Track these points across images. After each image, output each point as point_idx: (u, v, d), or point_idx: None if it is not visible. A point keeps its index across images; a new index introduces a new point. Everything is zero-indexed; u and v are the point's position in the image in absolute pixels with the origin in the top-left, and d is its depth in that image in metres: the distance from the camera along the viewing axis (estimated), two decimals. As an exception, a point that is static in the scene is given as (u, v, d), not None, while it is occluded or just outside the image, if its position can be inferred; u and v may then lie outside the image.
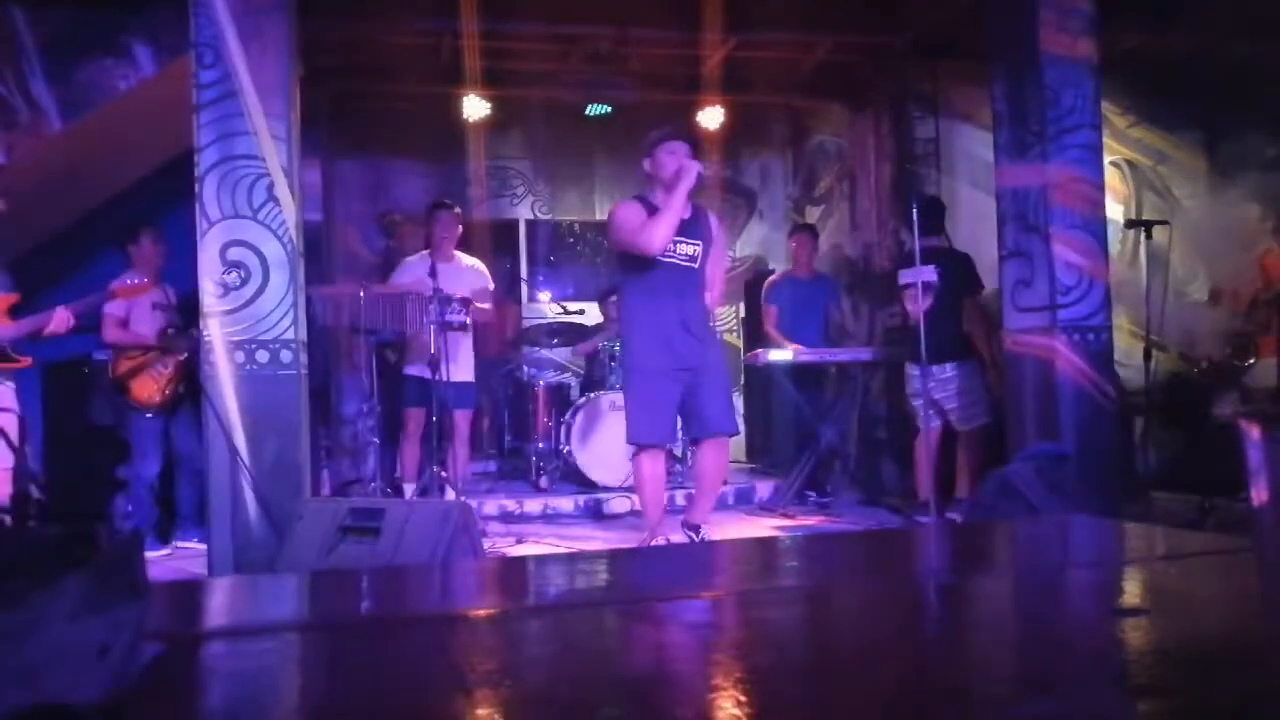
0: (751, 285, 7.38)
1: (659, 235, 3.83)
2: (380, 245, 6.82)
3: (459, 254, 5.18)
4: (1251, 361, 4.71)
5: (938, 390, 4.81)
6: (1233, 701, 0.79)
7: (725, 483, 5.99)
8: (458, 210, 5.22)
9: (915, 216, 4.44)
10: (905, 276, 4.75)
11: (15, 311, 3.93)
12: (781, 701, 0.83)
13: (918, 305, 4.68)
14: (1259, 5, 4.96)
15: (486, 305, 5.14)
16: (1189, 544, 1.65)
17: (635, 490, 4.50)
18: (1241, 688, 0.82)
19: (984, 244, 5.04)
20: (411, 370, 5.07)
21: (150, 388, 4.58)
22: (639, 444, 4.02)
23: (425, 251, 5.14)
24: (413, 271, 5.01)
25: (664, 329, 3.92)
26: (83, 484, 4.80)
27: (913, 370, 4.83)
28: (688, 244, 3.98)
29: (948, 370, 4.83)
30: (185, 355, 4.57)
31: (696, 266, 4.01)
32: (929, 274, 4.79)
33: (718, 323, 4.54)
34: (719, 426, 4.06)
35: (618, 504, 5.58)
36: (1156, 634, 1.04)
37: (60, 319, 3.88)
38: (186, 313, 4.55)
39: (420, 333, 4.86)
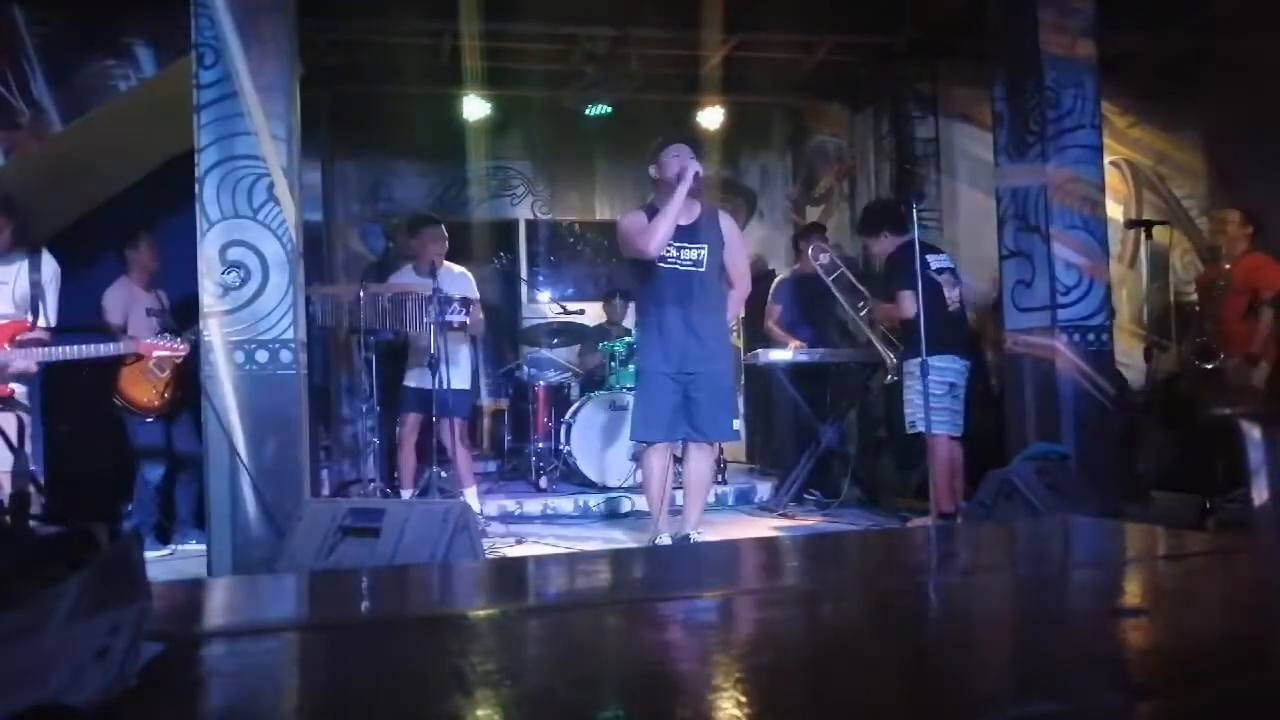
0: (752, 285, 7.37)
1: (655, 238, 3.90)
2: (380, 245, 6.83)
3: (447, 263, 5.18)
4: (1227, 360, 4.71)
5: (962, 387, 4.77)
6: (1232, 701, 0.79)
7: (724, 482, 6.03)
8: (443, 226, 5.20)
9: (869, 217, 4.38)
10: (935, 262, 4.72)
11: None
12: (781, 702, 0.83)
13: (952, 293, 4.66)
14: (1259, 5, 4.97)
15: (479, 317, 5.10)
16: (1189, 544, 1.66)
17: (640, 489, 4.52)
18: (1241, 688, 0.82)
19: (984, 244, 5.04)
20: (411, 382, 5.05)
21: (149, 393, 4.57)
22: (638, 441, 4.13)
23: (410, 266, 5.14)
24: (405, 278, 5.02)
25: (668, 333, 3.99)
26: (83, 485, 4.79)
27: (954, 364, 4.64)
28: (691, 249, 4.01)
29: (966, 366, 4.79)
30: (181, 360, 4.56)
31: (703, 270, 4.04)
32: (947, 260, 4.78)
33: (735, 325, 4.50)
34: (709, 432, 4.10)
35: (618, 504, 5.59)
36: (1156, 634, 1.05)
37: (24, 364, 3.76)
38: (182, 315, 4.55)
39: (420, 337, 4.84)
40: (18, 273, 3.85)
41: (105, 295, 4.59)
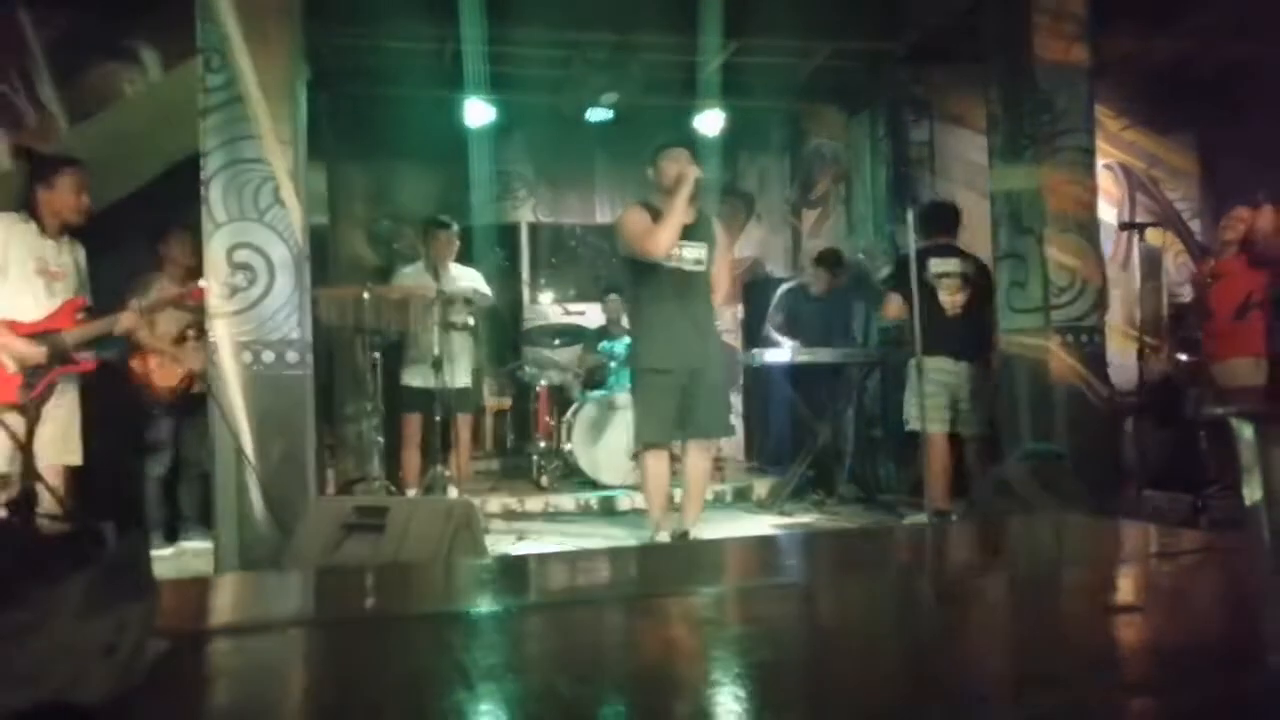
0: (749, 288, 7.40)
1: (663, 239, 3.92)
2: (383, 249, 6.84)
3: (454, 265, 5.21)
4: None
5: (960, 388, 4.80)
6: (1227, 700, 0.78)
7: (723, 480, 6.04)
8: (455, 228, 5.24)
9: (911, 219, 4.45)
10: (938, 266, 4.76)
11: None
12: (780, 698, 0.84)
13: (954, 297, 4.70)
14: (1251, 8, 4.98)
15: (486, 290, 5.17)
16: (1182, 542, 1.65)
17: (639, 488, 4.53)
18: (1235, 686, 0.82)
19: (978, 246, 5.06)
20: (410, 380, 5.08)
21: (167, 380, 4.57)
22: (645, 443, 4.10)
23: (420, 263, 5.17)
24: (408, 281, 5.05)
25: (671, 332, 4.00)
26: (90, 482, 4.79)
27: (947, 365, 4.71)
28: (693, 248, 4.04)
29: (966, 368, 4.82)
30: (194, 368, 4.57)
31: (703, 269, 4.07)
32: (956, 265, 4.81)
33: (720, 323, 4.56)
34: (710, 429, 4.13)
35: (619, 502, 5.60)
36: (1150, 632, 1.04)
37: (128, 320, 3.92)
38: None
39: (420, 337, 4.86)
40: (75, 253, 3.91)
41: (147, 289, 4.54)
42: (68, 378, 3.82)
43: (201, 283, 4.25)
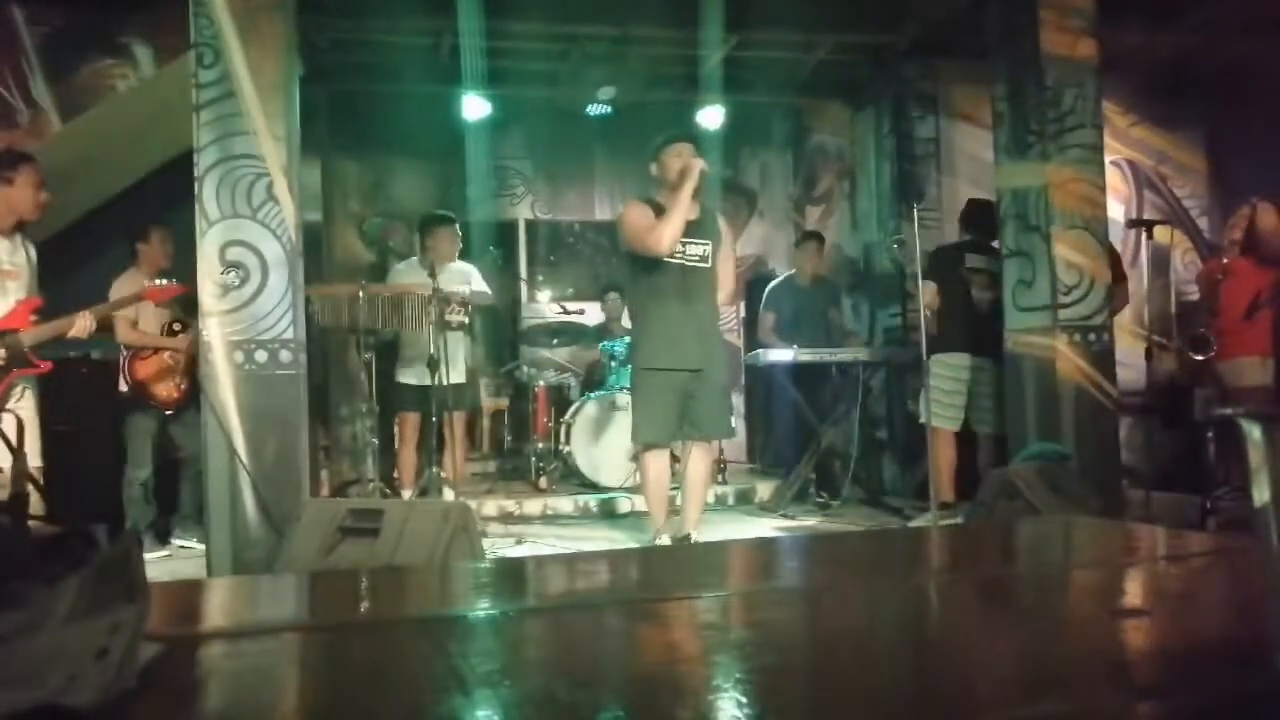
0: (752, 285, 7.38)
1: (668, 236, 3.87)
2: (376, 246, 6.83)
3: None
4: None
5: (977, 385, 4.79)
6: (1233, 703, 0.78)
7: (724, 482, 6.03)
8: (457, 225, 5.23)
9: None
10: (974, 261, 4.83)
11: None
12: (784, 704, 0.83)
13: (984, 294, 4.72)
14: (1260, 4, 4.97)
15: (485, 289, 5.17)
16: (1190, 545, 1.65)
17: (640, 490, 4.51)
18: (1242, 689, 0.82)
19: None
20: (405, 378, 5.06)
21: (169, 386, 4.55)
22: (645, 444, 4.06)
23: (415, 259, 5.16)
24: (404, 278, 5.03)
25: (673, 329, 3.96)
26: (79, 484, 4.78)
27: (964, 361, 4.78)
28: (697, 244, 4.01)
29: (987, 364, 4.81)
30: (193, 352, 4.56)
31: (707, 266, 4.03)
32: (991, 262, 4.84)
33: (723, 322, 4.57)
34: (712, 430, 4.10)
35: (619, 505, 5.58)
36: (1157, 635, 1.04)
37: (83, 323, 3.88)
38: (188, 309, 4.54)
39: (416, 336, 4.85)
40: (29, 251, 3.88)
41: (113, 287, 4.56)
42: (26, 380, 3.78)
43: (160, 281, 4.25)
